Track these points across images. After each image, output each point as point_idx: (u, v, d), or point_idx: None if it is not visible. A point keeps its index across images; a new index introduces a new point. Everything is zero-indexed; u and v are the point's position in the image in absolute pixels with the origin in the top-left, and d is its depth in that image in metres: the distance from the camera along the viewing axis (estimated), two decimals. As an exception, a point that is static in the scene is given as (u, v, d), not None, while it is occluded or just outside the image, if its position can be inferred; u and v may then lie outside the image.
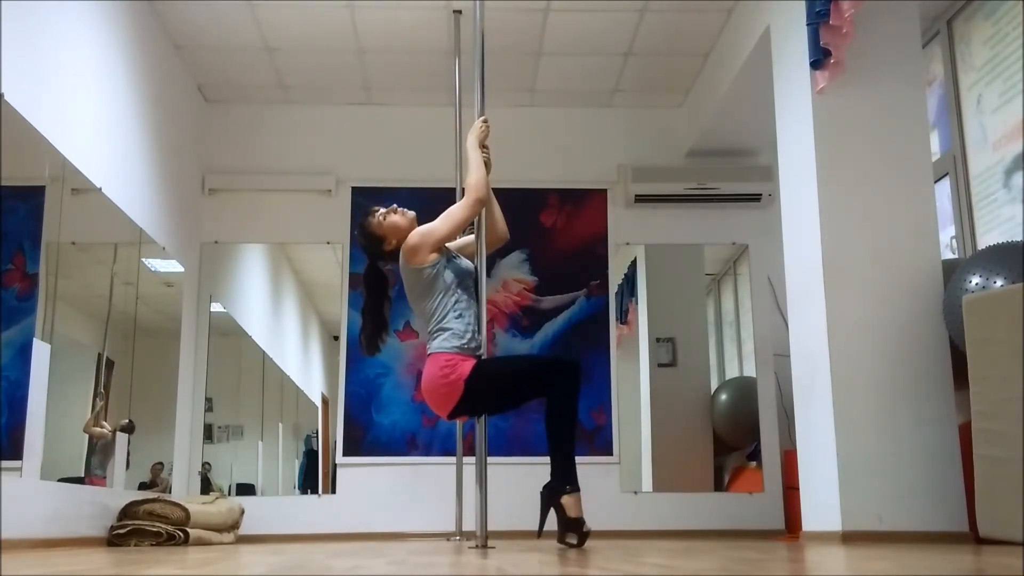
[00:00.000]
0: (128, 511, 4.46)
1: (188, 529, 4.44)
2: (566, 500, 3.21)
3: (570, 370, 3.30)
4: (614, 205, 6.16)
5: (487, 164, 3.65)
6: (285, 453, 6.15)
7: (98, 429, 4.50)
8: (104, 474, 4.53)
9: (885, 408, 3.75)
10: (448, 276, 3.46)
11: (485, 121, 3.69)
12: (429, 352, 3.40)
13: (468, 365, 3.31)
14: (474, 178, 3.50)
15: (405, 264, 3.46)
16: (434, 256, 3.43)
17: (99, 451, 4.53)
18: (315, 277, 6.51)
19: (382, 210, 3.59)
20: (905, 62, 4.07)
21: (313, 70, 5.81)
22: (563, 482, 3.22)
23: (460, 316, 3.41)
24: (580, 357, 5.92)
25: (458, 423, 5.13)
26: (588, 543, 3.37)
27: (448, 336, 3.37)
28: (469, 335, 3.39)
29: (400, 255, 3.48)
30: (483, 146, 3.65)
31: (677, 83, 6.01)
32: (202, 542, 4.54)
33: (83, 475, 4.34)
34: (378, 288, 3.62)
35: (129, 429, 4.81)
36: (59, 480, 4.06)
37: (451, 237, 3.51)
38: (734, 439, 6.05)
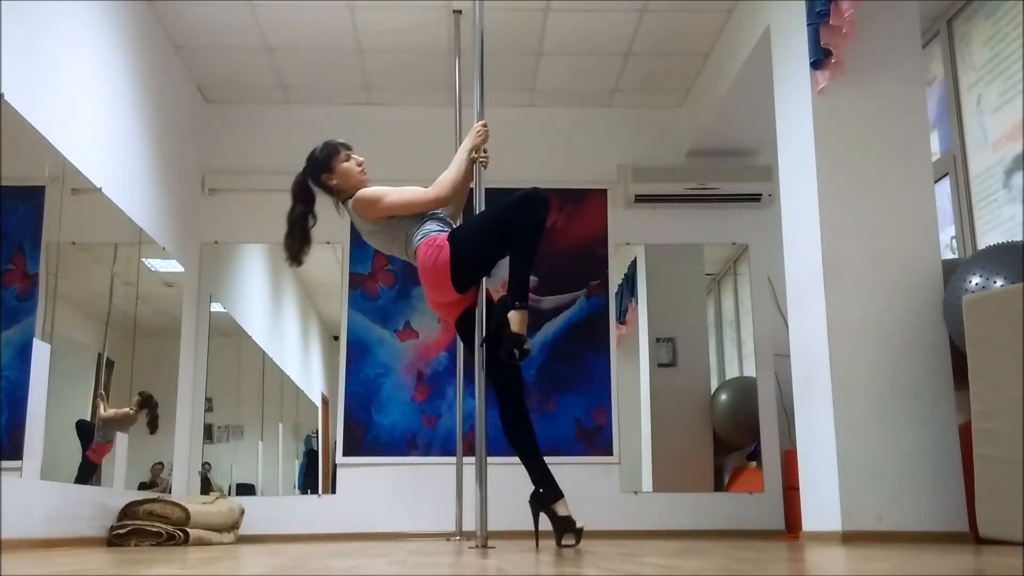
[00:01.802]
0: (128, 511, 4.46)
1: (188, 529, 4.44)
2: (512, 315, 3.19)
3: (537, 199, 3.27)
4: (614, 205, 6.15)
5: (484, 165, 3.65)
6: (285, 453, 6.15)
7: (115, 410, 4.54)
8: (106, 440, 4.54)
9: (885, 408, 3.75)
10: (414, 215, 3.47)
11: (484, 125, 3.67)
12: (413, 250, 3.40)
13: (445, 234, 3.38)
14: (448, 175, 3.50)
15: (364, 218, 3.51)
16: (385, 218, 3.47)
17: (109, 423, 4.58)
18: (315, 277, 6.50)
19: (356, 156, 3.59)
20: (905, 62, 4.07)
21: (313, 70, 5.81)
22: (512, 298, 3.22)
23: (432, 223, 3.44)
24: (580, 357, 5.94)
25: (458, 423, 5.14)
26: (588, 543, 3.38)
27: (429, 227, 3.41)
28: (448, 229, 3.45)
29: (351, 203, 3.51)
30: (483, 150, 3.65)
31: (677, 83, 6.01)
32: (202, 542, 4.54)
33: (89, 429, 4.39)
34: (307, 201, 3.59)
35: (148, 403, 4.86)
36: (77, 422, 4.12)
37: (399, 214, 3.46)
38: (734, 439, 6.05)
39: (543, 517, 3.34)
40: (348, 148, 3.61)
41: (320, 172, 3.58)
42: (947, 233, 4.70)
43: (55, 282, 3.97)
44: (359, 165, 3.58)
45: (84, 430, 4.32)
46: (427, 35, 5.40)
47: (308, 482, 6.01)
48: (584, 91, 6.09)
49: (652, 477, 5.88)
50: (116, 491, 4.59)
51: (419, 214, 3.45)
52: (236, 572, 2.06)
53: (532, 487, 3.37)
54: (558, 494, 3.30)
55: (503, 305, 3.24)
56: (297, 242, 3.59)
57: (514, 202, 3.27)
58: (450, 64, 5.21)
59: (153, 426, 4.96)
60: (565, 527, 3.26)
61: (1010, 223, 4.33)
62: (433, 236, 3.37)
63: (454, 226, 3.54)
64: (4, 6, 3.57)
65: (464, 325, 3.54)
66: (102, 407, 4.51)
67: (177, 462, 5.53)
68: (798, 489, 4.06)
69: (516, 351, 3.18)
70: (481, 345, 3.48)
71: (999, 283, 3.44)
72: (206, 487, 5.70)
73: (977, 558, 2.30)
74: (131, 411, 4.71)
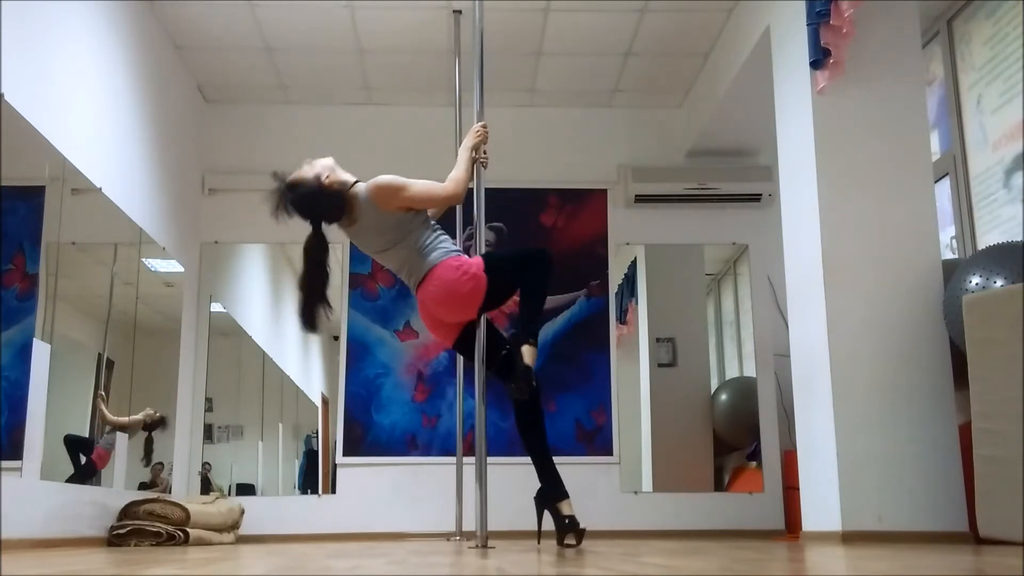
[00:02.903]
0: (128, 511, 4.46)
1: (188, 529, 4.44)
2: (526, 350, 3.32)
3: (543, 255, 3.46)
4: (614, 205, 6.16)
5: (484, 165, 3.67)
6: (285, 453, 6.15)
7: (124, 419, 4.57)
8: (108, 448, 4.54)
9: (885, 408, 3.75)
10: (423, 216, 3.45)
11: (484, 126, 3.68)
12: (432, 264, 3.33)
13: (475, 259, 3.39)
14: (460, 175, 3.48)
15: (376, 208, 3.35)
16: (401, 211, 3.38)
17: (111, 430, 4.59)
18: (315, 277, 6.49)
19: (310, 171, 3.40)
20: (905, 62, 4.07)
21: (313, 70, 5.81)
22: (527, 334, 3.35)
23: (446, 241, 3.45)
24: (580, 357, 5.94)
25: (458, 423, 5.14)
26: (588, 543, 3.38)
27: (446, 245, 3.40)
28: (459, 249, 3.47)
29: (366, 196, 3.36)
30: (483, 150, 3.66)
31: (677, 83, 6.01)
32: (202, 542, 4.54)
33: (88, 435, 4.39)
34: (322, 259, 3.42)
35: (157, 424, 4.89)
36: (64, 437, 4.12)
37: (417, 207, 3.41)
38: (734, 439, 6.05)
39: (546, 515, 3.36)
40: (296, 174, 3.44)
41: (338, 201, 3.39)
42: (947, 233, 4.70)
43: (55, 282, 3.96)
44: (330, 170, 3.45)
45: (74, 444, 4.27)
46: (427, 35, 5.40)
47: (308, 482, 6.01)
48: (584, 91, 6.09)
49: (652, 477, 5.88)
50: (116, 491, 4.59)
51: (424, 220, 3.43)
52: (236, 572, 2.06)
53: (532, 487, 3.39)
54: (564, 494, 3.32)
55: (515, 339, 3.34)
56: (323, 303, 3.42)
57: (529, 256, 3.47)
58: (450, 64, 5.21)
59: (147, 456, 4.99)
60: (568, 527, 3.27)
61: (1010, 223, 4.33)
62: (459, 258, 3.35)
63: (454, 241, 3.57)
64: (4, 6, 3.57)
65: (464, 346, 3.56)
66: (103, 407, 4.51)
67: (177, 462, 5.52)
68: (798, 489, 4.06)
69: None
70: (483, 361, 3.52)
71: (999, 283, 3.44)
72: (206, 487, 5.70)
73: (977, 558, 2.30)
74: (140, 418, 4.76)
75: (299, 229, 6.19)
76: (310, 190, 3.38)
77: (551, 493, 3.34)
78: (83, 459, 4.28)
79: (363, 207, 3.39)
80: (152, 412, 4.93)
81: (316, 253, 3.42)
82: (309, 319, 3.41)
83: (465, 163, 3.54)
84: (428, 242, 3.39)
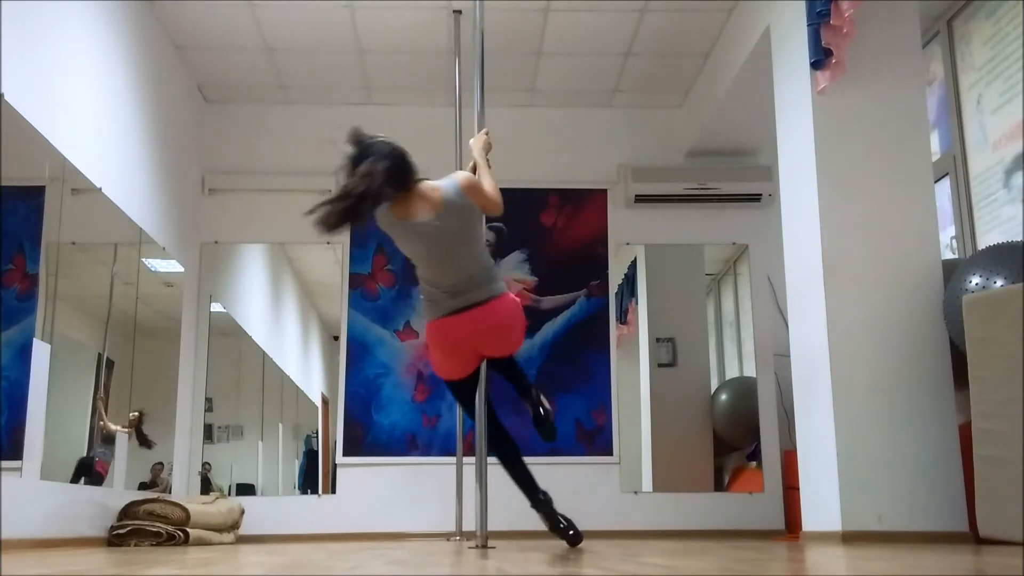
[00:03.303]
0: (128, 511, 4.46)
1: (188, 529, 4.44)
2: (543, 398, 3.41)
3: None
4: (614, 205, 6.16)
5: None
6: (285, 453, 6.15)
7: (120, 427, 4.58)
8: (107, 461, 4.55)
9: (885, 408, 3.75)
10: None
11: (486, 132, 3.70)
12: (501, 291, 3.33)
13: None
14: (494, 182, 3.47)
15: (466, 200, 3.29)
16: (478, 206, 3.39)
17: (107, 440, 4.58)
18: (315, 277, 6.50)
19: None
20: (905, 62, 4.07)
21: (313, 70, 5.81)
22: (532, 385, 3.45)
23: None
24: (580, 357, 5.95)
25: (458, 422, 5.15)
26: (588, 543, 3.38)
27: (500, 279, 3.44)
28: None
29: (456, 187, 3.29)
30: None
31: (677, 83, 6.01)
32: (202, 542, 4.54)
33: (88, 436, 4.39)
34: (375, 197, 3.15)
35: (138, 421, 4.90)
36: (79, 460, 4.10)
37: (488, 207, 3.41)
38: (734, 439, 6.05)
39: (539, 518, 3.36)
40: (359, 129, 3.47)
41: (412, 172, 3.31)
42: (947, 233, 4.70)
43: (55, 282, 3.96)
44: None
45: (78, 470, 4.28)
46: (427, 35, 5.40)
47: (308, 482, 6.01)
48: (584, 91, 6.09)
49: (652, 477, 5.88)
50: (116, 491, 4.59)
51: (483, 232, 3.48)
52: (236, 572, 2.06)
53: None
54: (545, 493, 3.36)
55: (534, 390, 3.42)
56: (347, 217, 3.10)
57: None
58: (450, 64, 5.21)
59: (142, 440, 5.01)
60: (571, 522, 3.29)
61: (1010, 223, 4.33)
62: (513, 295, 3.46)
63: None
64: (4, 6, 3.57)
65: (466, 392, 3.58)
66: (102, 411, 4.51)
67: (177, 462, 5.52)
68: (798, 489, 4.07)
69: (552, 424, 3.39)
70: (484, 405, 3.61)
71: (999, 283, 3.44)
72: (206, 487, 5.70)
73: (977, 558, 2.30)
74: (123, 430, 4.78)
75: (299, 229, 6.16)
76: (399, 148, 3.35)
77: (545, 499, 3.35)
78: (83, 480, 4.27)
79: (448, 199, 3.25)
80: (131, 417, 4.92)
81: (373, 191, 3.13)
82: (339, 218, 3.10)
83: (490, 174, 3.53)
84: (493, 265, 3.45)
